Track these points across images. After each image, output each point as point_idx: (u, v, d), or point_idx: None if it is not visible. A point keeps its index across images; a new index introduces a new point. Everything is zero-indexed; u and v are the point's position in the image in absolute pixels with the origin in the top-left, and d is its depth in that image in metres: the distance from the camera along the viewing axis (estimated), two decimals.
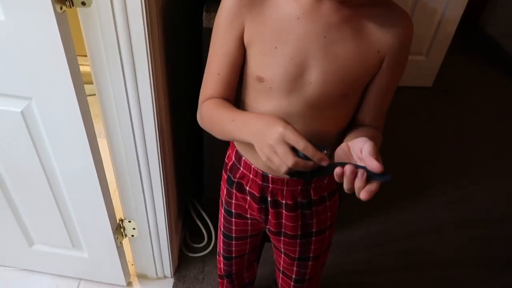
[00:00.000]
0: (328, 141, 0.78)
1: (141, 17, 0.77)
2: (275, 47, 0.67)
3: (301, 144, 0.57)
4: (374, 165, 0.55)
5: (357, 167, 0.57)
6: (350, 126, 0.77)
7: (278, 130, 0.58)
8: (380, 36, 0.66)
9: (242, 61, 0.72)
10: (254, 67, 0.71)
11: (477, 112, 2.32)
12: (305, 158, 0.58)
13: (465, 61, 2.72)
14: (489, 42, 2.85)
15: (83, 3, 0.76)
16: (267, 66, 0.69)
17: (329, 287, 1.36)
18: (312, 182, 0.82)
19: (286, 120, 0.60)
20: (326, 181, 0.83)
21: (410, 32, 0.68)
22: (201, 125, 0.78)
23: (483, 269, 1.54)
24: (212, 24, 0.96)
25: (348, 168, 0.56)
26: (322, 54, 0.66)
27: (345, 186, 0.57)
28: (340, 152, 0.63)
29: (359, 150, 0.59)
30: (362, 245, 1.59)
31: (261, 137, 0.61)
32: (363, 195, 0.56)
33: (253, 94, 0.74)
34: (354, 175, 0.56)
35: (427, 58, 2.33)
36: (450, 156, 2.04)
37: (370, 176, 0.56)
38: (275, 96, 0.71)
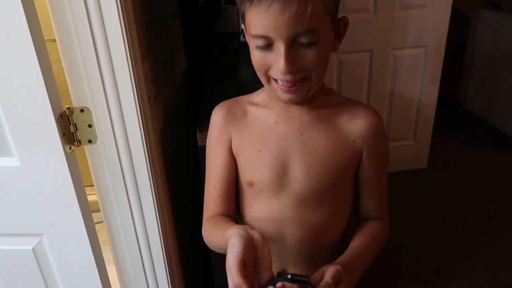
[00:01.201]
0: (330, 239, 0.80)
1: (142, 148, 0.84)
2: (259, 150, 0.74)
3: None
4: None
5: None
6: (356, 221, 0.80)
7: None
8: (352, 128, 0.74)
9: (235, 172, 0.79)
10: (244, 173, 0.77)
11: (476, 186, 2.35)
12: (293, 279, 0.57)
13: (453, 139, 2.84)
14: (470, 117, 3.01)
15: (90, 141, 0.84)
16: (254, 169, 0.75)
17: None
18: None
19: (240, 249, 0.57)
20: None
21: (378, 120, 0.76)
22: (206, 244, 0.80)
23: None
24: (206, 142, 1.05)
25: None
26: (301, 150, 0.73)
27: None
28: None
29: None
30: None
31: None
32: None
33: (247, 201, 0.79)
34: None
35: (415, 141, 2.44)
36: (460, 234, 2.01)
37: None
38: (265, 198, 0.76)
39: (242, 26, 0.73)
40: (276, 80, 0.67)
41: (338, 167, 0.74)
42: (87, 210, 0.89)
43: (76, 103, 0.81)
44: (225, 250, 0.68)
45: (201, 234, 0.80)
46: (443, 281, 1.74)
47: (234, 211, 0.81)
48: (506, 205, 2.18)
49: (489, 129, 2.84)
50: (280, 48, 0.62)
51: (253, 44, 0.65)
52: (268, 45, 0.63)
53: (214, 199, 0.79)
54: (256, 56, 0.66)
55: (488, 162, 2.58)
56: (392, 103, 2.32)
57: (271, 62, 0.64)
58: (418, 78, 2.27)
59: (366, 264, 0.72)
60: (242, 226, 0.63)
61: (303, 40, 0.61)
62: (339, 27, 0.68)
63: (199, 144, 1.10)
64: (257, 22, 0.62)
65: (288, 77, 0.64)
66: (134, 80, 0.79)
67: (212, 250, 0.77)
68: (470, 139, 2.83)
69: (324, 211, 0.76)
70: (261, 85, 0.79)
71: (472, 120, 2.98)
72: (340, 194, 0.77)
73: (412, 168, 2.47)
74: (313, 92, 0.69)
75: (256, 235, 0.59)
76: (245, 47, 0.76)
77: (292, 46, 0.62)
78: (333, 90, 0.89)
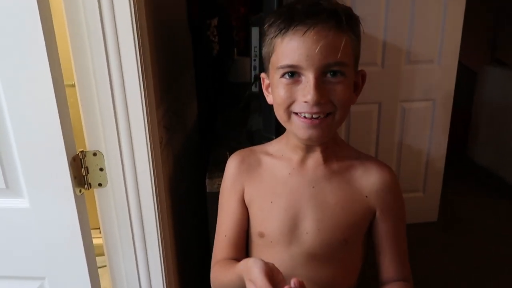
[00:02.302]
0: None
1: (151, 193, 0.85)
2: (271, 201, 0.74)
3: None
4: None
5: None
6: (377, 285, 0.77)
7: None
8: (364, 183, 0.73)
9: (246, 221, 0.78)
10: (255, 223, 0.77)
11: (487, 239, 2.28)
12: None
13: (463, 192, 2.79)
14: (480, 170, 2.98)
15: (100, 184, 0.85)
16: (265, 221, 0.75)
17: None
18: None
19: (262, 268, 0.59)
20: None
21: (392, 177, 0.75)
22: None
23: None
24: (215, 188, 1.05)
25: None
26: (312, 203, 0.72)
27: None
28: None
29: None
30: None
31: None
32: None
33: (258, 252, 0.78)
34: None
35: (425, 194, 2.40)
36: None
37: None
38: (276, 251, 0.74)
39: (262, 75, 0.74)
40: (298, 115, 0.66)
41: (350, 222, 0.73)
42: (92, 255, 0.88)
43: (89, 147, 0.83)
44: (236, 286, 0.69)
45: (207, 282, 0.79)
46: None
47: (243, 258, 0.79)
48: None
49: (499, 182, 2.81)
50: (309, 78, 0.62)
51: (280, 75, 0.65)
52: (296, 75, 0.64)
53: (223, 246, 0.78)
54: (281, 90, 0.66)
55: (500, 216, 2.52)
56: (400, 155, 2.32)
57: (296, 95, 0.64)
58: (426, 130, 2.28)
59: None
60: None
61: (333, 69, 0.63)
62: (358, 80, 0.70)
63: (207, 190, 1.10)
64: (290, 51, 0.63)
65: (315, 109, 0.63)
66: (148, 127, 0.81)
67: None
68: (481, 192, 2.79)
69: (335, 267, 0.74)
70: (271, 134, 0.81)
71: (482, 173, 2.95)
72: (352, 251, 0.75)
73: (423, 221, 2.42)
74: (332, 134, 0.69)
75: (270, 263, 0.60)
76: (256, 97, 0.78)
77: (321, 79, 0.63)
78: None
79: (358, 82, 0.70)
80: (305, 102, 0.63)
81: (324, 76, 0.63)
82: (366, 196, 0.73)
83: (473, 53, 3.05)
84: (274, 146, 0.79)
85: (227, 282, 0.73)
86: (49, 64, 0.72)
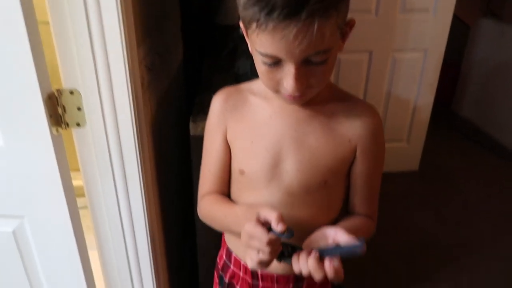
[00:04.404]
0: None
1: (132, 134, 0.83)
2: (251, 142, 0.75)
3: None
4: (344, 237, 0.61)
5: (324, 252, 0.61)
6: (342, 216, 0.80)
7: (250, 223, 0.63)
8: (348, 127, 0.73)
9: (229, 158, 0.80)
10: (236, 161, 0.78)
11: (466, 191, 2.36)
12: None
13: (446, 144, 2.84)
14: (465, 124, 3.01)
15: (78, 124, 0.82)
16: (246, 160, 0.76)
17: None
18: (303, 279, 0.81)
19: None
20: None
21: (376, 121, 0.74)
22: (202, 220, 0.83)
23: None
24: (199, 132, 1.04)
25: (302, 253, 0.62)
26: (294, 145, 0.73)
27: (299, 270, 0.62)
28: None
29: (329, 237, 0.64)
30: None
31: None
32: (329, 273, 0.59)
33: (238, 187, 0.80)
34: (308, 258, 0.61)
35: (408, 144, 2.44)
36: (449, 238, 2.02)
37: (341, 252, 0.60)
38: (256, 187, 0.76)
39: (241, 26, 0.67)
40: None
41: (330, 165, 0.73)
42: (71, 194, 0.87)
43: (66, 85, 0.79)
44: (226, 226, 0.76)
45: (188, 222, 0.80)
46: (427, 286, 1.75)
47: (227, 193, 0.82)
48: (495, 211, 2.20)
49: (482, 136, 2.85)
50: (290, 68, 0.60)
51: (259, 59, 0.63)
52: (276, 63, 0.61)
53: (208, 180, 0.81)
54: (263, 71, 0.64)
55: (480, 169, 2.59)
56: (388, 104, 2.32)
57: (279, 78, 0.63)
58: (415, 81, 2.26)
59: None
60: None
61: (315, 59, 0.60)
62: (346, 29, 0.65)
63: (191, 133, 1.08)
64: (268, 43, 0.58)
65: (297, 93, 0.63)
66: (128, 64, 0.77)
67: (198, 239, 0.78)
68: (463, 145, 2.84)
69: (313, 207, 0.76)
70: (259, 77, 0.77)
71: (466, 127, 2.99)
72: (332, 193, 0.77)
73: (404, 170, 2.48)
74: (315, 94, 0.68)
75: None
76: (244, 40, 0.73)
77: (302, 65, 0.60)
78: None
79: (346, 31, 0.65)
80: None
81: (306, 63, 0.60)
82: (349, 140, 0.73)
83: (468, 5, 2.96)
84: (260, 84, 0.75)
85: (219, 217, 0.77)
86: None
